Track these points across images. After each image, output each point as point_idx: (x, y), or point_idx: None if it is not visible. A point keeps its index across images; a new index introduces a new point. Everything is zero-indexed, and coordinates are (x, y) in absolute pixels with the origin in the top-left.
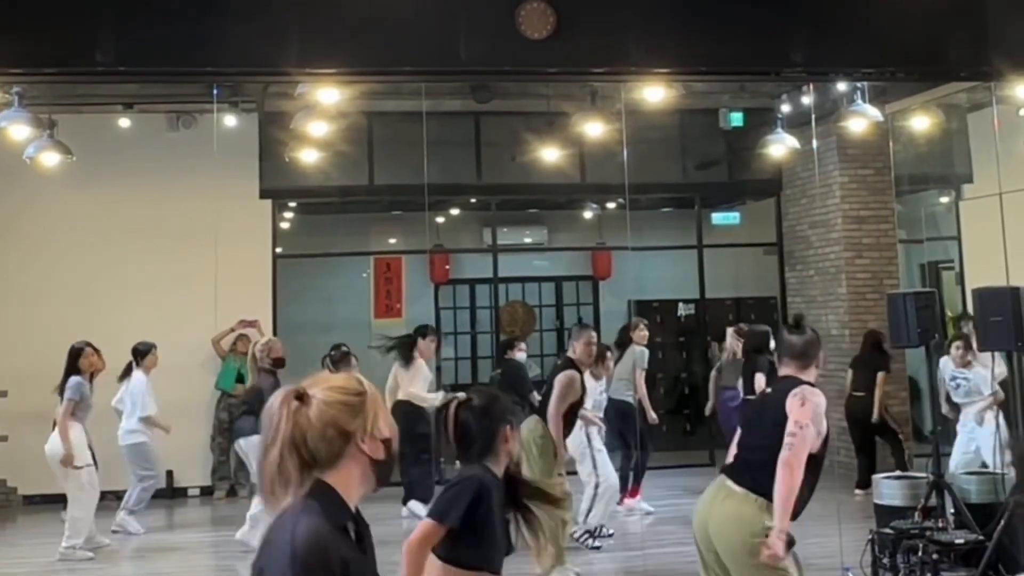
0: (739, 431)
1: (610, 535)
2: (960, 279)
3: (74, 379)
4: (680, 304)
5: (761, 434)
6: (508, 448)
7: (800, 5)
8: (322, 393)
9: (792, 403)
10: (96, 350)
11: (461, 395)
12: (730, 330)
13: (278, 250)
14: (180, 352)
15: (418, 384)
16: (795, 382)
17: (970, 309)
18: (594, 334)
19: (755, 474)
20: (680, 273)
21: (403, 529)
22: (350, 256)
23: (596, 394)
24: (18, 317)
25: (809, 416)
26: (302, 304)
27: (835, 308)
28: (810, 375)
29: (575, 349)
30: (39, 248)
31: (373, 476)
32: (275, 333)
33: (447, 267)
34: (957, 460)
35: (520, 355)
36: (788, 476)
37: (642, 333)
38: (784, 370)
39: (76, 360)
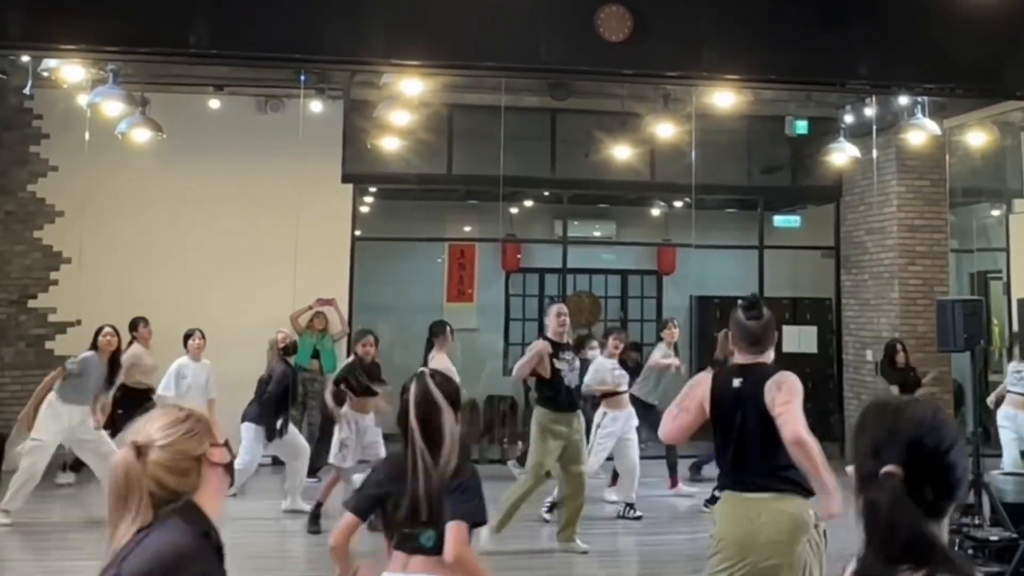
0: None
1: (638, 518)
2: (1007, 289)
3: (85, 353)
4: (739, 301)
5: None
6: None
7: (866, 22)
8: (159, 436)
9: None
10: (116, 331)
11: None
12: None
13: (357, 233)
14: (259, 327)
15: None
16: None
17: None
18: (563, 307)
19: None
20: (741, 272)
21: None
22: (426, 241)
23: (607, 370)
24: (104, 288)
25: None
26: (378, 285)
27: (887, 312)
28: (768, 358)
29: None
30: (125, 221)
31: (228, 478)
32: (351, 313)
33: (518, 256)
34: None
35: (592, 353)
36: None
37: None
38: (740, 356)
39: (96, 337)
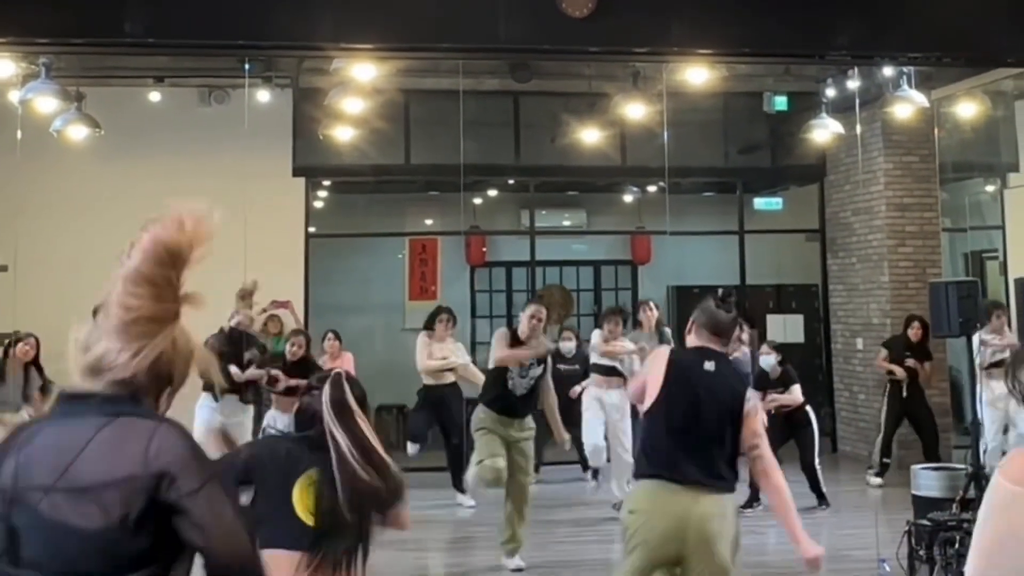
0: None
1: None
2: (1004, 269)
3: None
4: (720, 290)
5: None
6: None
7: None
8: None
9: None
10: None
11: None
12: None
13: (311, 229)
14: (210, 332)
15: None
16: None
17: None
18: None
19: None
20: (720, 259)
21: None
22: (385, 237)
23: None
24: (41, 293)
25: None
26: (335, 285)
27: (877, 296)
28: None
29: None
30: (63, 224)
31: None
32: (306, 315)
33: (483, 249)
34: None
35: (567, 345)
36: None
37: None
38: (701, 342)
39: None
